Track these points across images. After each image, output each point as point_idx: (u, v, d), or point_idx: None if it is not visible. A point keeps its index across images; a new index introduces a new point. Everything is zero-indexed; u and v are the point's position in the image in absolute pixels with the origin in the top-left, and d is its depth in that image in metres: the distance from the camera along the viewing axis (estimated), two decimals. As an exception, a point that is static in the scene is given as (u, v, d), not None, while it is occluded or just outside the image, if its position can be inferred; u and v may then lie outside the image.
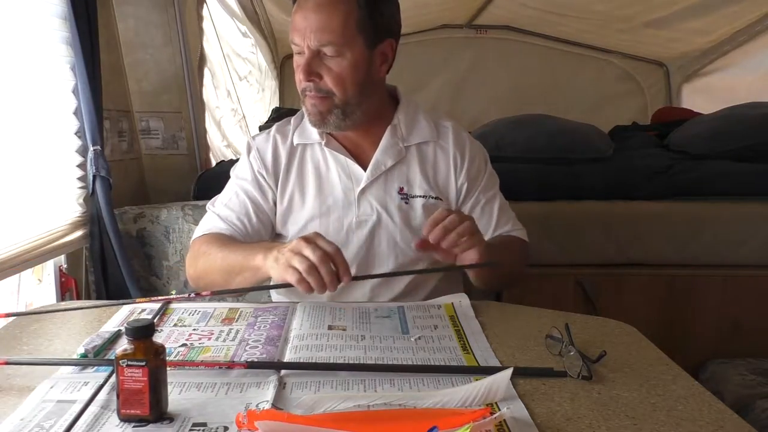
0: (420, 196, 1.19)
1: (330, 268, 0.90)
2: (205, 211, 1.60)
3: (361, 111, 1.15)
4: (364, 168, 1.18)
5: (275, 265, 0.94)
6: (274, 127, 1.25)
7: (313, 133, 1.20)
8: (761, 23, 2.86)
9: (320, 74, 1.09)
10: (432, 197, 1.20)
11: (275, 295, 1.26)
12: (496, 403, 0.70)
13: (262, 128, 2.75)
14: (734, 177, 1.92)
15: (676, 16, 2.97)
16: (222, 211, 1.19)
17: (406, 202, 1.19)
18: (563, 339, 0.83)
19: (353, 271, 1.17)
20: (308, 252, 0.90)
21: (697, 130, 2.18)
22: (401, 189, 1.19)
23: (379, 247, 1.19)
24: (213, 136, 2.36)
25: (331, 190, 1.19)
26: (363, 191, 1.18)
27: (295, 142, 1.21)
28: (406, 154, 1.20)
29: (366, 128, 1.19)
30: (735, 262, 1.84)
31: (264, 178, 1.20)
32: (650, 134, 2.48)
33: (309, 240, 0.92)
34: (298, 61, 1.11)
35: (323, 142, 1.19)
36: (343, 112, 1.13)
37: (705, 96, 3.45)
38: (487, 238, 1.20)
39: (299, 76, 1.10)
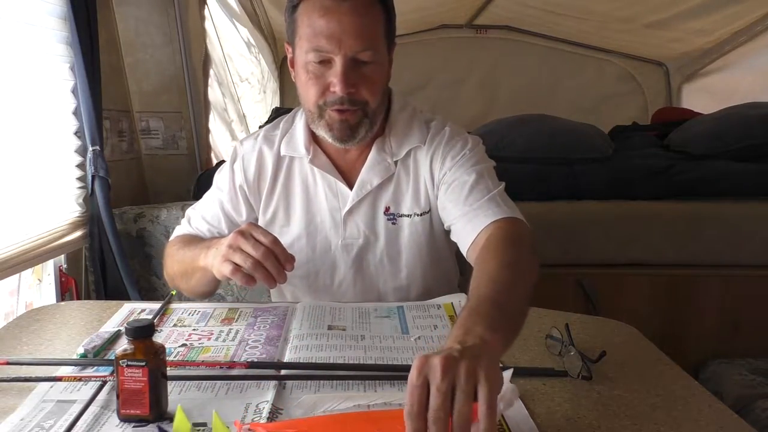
0: (406, 215, 1.11)
1: (274, 262, 0.86)
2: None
3: (379, 119, 1.07)
4: (351, 186, 1.10)
5: (214, 262, 0.91)
6: (261, 134, 1.16)
7: (300, 146, 1.11)
8: (761, 23, 2.86)
9: (356, 84, 0.99)
10: (417, 214, 1.11)
11: (275, 296, 1.26)
12: (496, 403, 0.70)
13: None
14: (734, 177, 1.92)
15: (676, 17, 2.98)
16: (196, 221, 1.16)
17: (393, 223, 1.11)
18: (563, 339, 0.83)
19: (345, 294, 1.13)
20: (249, 248, 0.86)
21: (697, 130, 2.18)
22: (387, 209, 1.11)
23: (367, 270, 1.13)
24: (219, 137, 2.36)
25: (318, 209, 1.12)
26: (349, 212, 1.10)
27: (282, 152, 1.12)
28: (395, 169, 1.10)
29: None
30: (735, 262, 1.84)
31: (244, 192, 1.13)
32: (650, 134, 2.48)
33: (246, 234, 0.88)
34: (319, 71, 0.99)
35: (309, 157, 1.09)
36: (371, 122, 1.04)
37: (705, 96, 3.45)
38: (458, 211, 1.02)
39: (334, 88, 0.99)
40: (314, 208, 1.12)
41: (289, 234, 1.13)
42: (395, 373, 0.78)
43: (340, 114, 1.01)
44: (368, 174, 1.10)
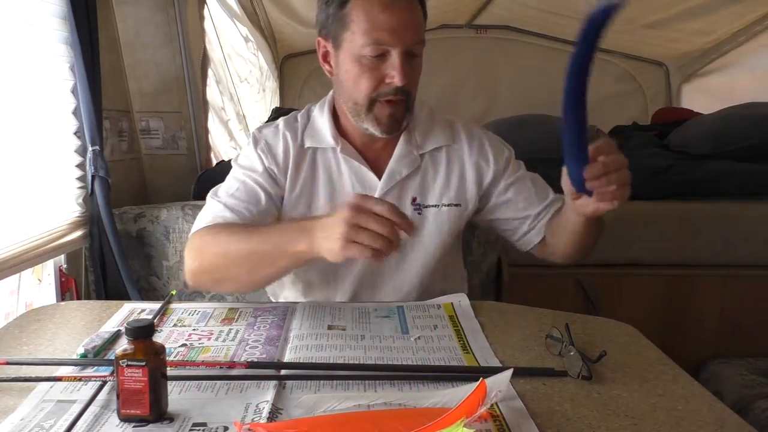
0: (433, 206, 1.15)
1: (397, 234, 0.82)
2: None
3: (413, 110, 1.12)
4: (379, 176, 1.13)
5: (327, 246, 0.85)
6: (281, 123, 1.17)
7: (327, 137, 1.13)
8: (761, 23, 2.86)
9: (408, 76, 1.04)
10: (444, 205, 1.15)
11: (289, 289, 1.24)
12: (496, 403, 0.70)
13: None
14: (734, 177, 1.92)
15: (676, 17, 2.98)
16: (228, 200, 1.08)
17: (419, 213, 1.15)
18: (563, 339, 0.83)
19: (361, 285, 1.14)
20: (375, 226, 0.81)
21: (697, 130, 2.19)
22: (414, 199, 1.15)
23: (387, 260, 1.13)
24: (218, 137, 2.36)
25: (343, 198, 1.10)
26: None
27: (306, 144, 1.14)
28: (420, 161, 1.15)
29: None
30: (735, 262, 1.84)
31: (275, 173, 1.12)
32: (650, 134, 2.48)
33: (364, 209, 0.82)
34: (374, 64, 1.03)
35: (339, 148, 1.12)
36: (410, 113, 1.10)
37: (705, 96, 3.45)
38: (534, 211, 1.18)
39: (391, 80, 1.03)
40: (338, 198, 1.13)
41: None
42: (395, 373, 0.78)
43: (390, 106, 1.05)
44: (398, 165, 1.14)
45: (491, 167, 1.18)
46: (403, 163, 1.14)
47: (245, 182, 1.11)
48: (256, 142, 1.15)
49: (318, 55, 1.12)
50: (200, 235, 1.04)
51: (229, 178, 1.14)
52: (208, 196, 1.12)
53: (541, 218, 1.18)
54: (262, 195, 1.10)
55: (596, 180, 0.91)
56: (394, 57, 1.02)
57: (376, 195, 1.12)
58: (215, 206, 1.08)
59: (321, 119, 1.16)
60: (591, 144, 0.91)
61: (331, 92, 1.18)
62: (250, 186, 1.10)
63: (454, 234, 1.20)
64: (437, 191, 1.16)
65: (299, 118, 1.18)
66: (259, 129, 1.18)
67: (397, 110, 1.06)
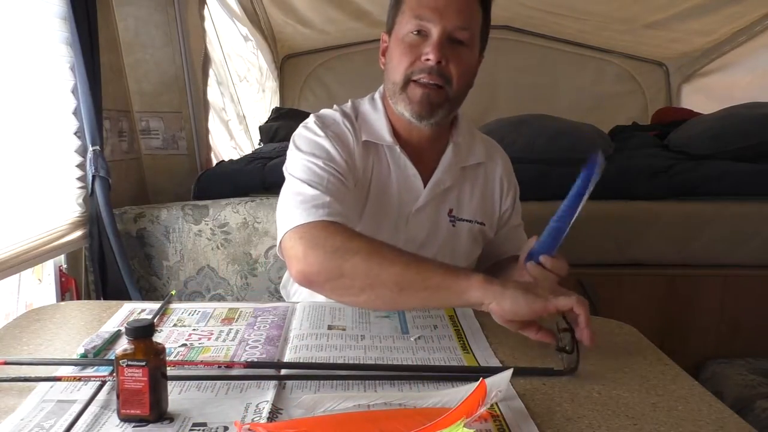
0: (467, 221, 1.14)
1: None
2: (206, 211, 1.55)
3: (455, 109, 1.09)
4: (423, 183, 1.10)
5: (531, 298, 0.79)
6: (339, 116, 1.09)
7: (384, 133, 1.08)
8: (761, 23, 2.86)
9: (447, 58, 1.00)
10: (477, 222, 1.15)
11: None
12: (496, 403, 0.70)
13: (262, 128, 2.75)
14: (734, 177, 1.92)
15: (676, 17, 2.98)
16: (332, 193, 0.96)
17: (453, 225, 1.13)
18: (561, 326, 0.82)
19: None
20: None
21: (697, 130, 2.19)
22: (450, 211, 1.13)
23: None
24: (218, 137, 2.36)
25: (387, 201, 1.09)
26: (418, 209, 1.11)
27: (363, 138, 1.08)
28: (460, 174, 1.13)
29: (433, 139, 1.11)
30: (735, 262, 1.84)
31: (350, 166, 1.04)
32: (650, 134, 2.48)
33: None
34: (414, 42, 1.01)
35: (398, 147, 1.07)
36: (449, 109, 1.05)
37: (705, 96, 3.45)
38: (512, 248, 1.21)
39: (426, 56, 0.99)
40: (382, 199, 1.10)
41: (359, 225, 1.05)
42: (395, 373, 0.78)
43: (423, 88, 1.01)
44: (444, 174, 1.12)
45: (509, 197, 1.20)
46: (448, 174, 1.12)
47: (333, 175, 1.00)
48: (322, 128, 1.06)
49: (379, 52, 1.12)
50: (331, 232, 0.90)
51: (306, 166, 1.01)
52: (294, 178, 0.99)
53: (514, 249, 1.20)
54: (347, 189, 1.01)
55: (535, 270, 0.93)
56: (433, 35, 1.00)
57: (419, 202, 1.10)
58: (319, 196, 0.95)
59: (375, 114, 1.11)
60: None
61: (380, 88, 1.14)
62: (339, 179, 1.00)
63: (479, 251, 1.20)
64: (473, 207, 1.15)
65: (348, 111, 1.12)
66: (321, 118, 1.09)
67: (431, 94, 1.01)
